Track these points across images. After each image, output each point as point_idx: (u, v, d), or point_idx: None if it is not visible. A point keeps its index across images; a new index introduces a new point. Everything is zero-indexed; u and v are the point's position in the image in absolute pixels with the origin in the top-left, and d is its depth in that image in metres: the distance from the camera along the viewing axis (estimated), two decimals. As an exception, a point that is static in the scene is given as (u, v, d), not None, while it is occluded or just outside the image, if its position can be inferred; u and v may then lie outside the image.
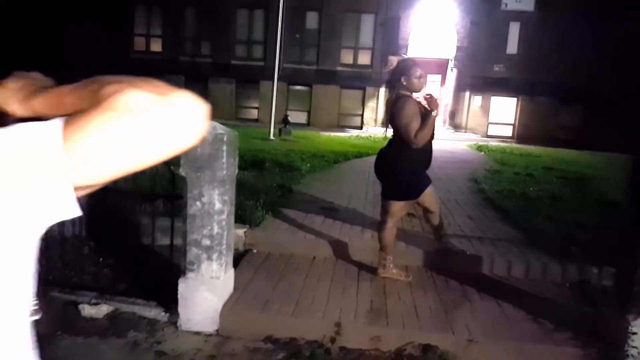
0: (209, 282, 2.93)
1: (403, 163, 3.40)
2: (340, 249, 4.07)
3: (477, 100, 20.90)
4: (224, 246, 2.94)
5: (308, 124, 20.82)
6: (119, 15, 20.59)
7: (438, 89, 21.01)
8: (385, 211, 3.57)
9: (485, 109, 21.25)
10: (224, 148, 2.81)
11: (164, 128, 0.64)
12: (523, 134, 20.94)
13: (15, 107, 0.79)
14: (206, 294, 2.93)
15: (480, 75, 20.27)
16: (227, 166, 2.83)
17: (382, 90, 19.99)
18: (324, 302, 3.19)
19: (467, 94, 20.51)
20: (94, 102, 0.66)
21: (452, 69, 20.20)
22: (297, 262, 3.84)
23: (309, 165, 8.20)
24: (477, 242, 4.37)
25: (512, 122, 21.57)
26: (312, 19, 21.03)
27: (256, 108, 21.66)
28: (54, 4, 18.01)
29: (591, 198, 6.69)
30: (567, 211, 5.61)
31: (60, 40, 17.99)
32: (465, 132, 20.52)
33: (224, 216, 2.90)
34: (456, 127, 20.42)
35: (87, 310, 3.07)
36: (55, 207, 0.60)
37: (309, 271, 3.71)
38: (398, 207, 3.53)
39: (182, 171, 2.84)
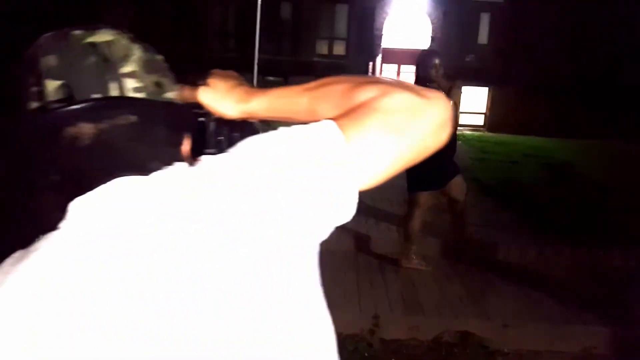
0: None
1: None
2: (360, 242, 4.07)
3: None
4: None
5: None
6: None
7: (412, 80, 21.26)
8: (412, 203, 3.60)
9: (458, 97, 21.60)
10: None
11: (430, 128, 0.63)
12: (494, 122, 21.42)
13: (227, 108, 0.75)
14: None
15: (453, 65, 20.55)
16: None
17: (358, 81, 20.07)
18: (355, 296, 3.19)
19: (440, 83, 20.81)
20: (345, 104, 0.64)
21: (425, 59, 20.45)
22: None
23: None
24: (486, 230, 4.44)
25: (484, 111, 22.04)
26: (286, 10, 20.85)
27: (231, 101, 21.35)
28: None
29: (581, 182, 6.92)
30: (565, 196, 5.79)
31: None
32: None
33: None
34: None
35: None
36: (338, 211, 0.58)
37: (333, 265, 3.70)
38: (425, 198, 3.56)
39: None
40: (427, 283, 3.47)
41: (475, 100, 21.80)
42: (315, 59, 20.95)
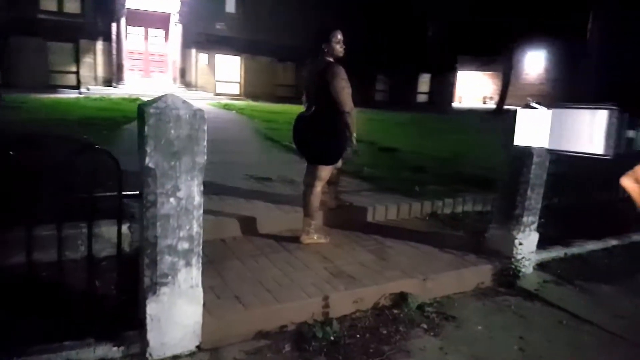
0: (188, 293, 2.40)
1: (336, 129, 3.40)
2: (245, 226, 3.80)
3: (204, 57, 20.89)
4: (200, 246, 2.44)
5: (7, 85, 16.86)
6: None
7: (163, 45, 20.09)
8: (314, 176, 3.52)
9: (212, 66, 21.46)
10: (205, 128, 2.28)
11: None
12: (249, 91, 22.16)
13: None
14: (187, 307, 2.40)
15: (205, 32, 20.25)
16: (206, 150, 2.32)
17: (100, 44, 17.94)
18: (287, 281, 3.01)
19: (194, 51, 20.26)
20: None
21: (175, 24, 19.47)
22: (211, 249, 3.40)
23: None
24: (346, 195, 4.70)
25: (238, 80, 22.51)
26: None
27: None
28: None
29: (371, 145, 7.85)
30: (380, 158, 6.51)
31: None
32: (196, 90, 20.37)
33: (201, 211, 2.39)
34: (187, 85, 20.05)
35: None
36: None
37: (238, 254, 3.38)
38: (327, 171, 3.54)
39: (149, 161, 2.18)
40: (340, 254, 3.50)
41: (229, 69, 22.05)
42: (41, 15, 17.58)
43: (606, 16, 10.60)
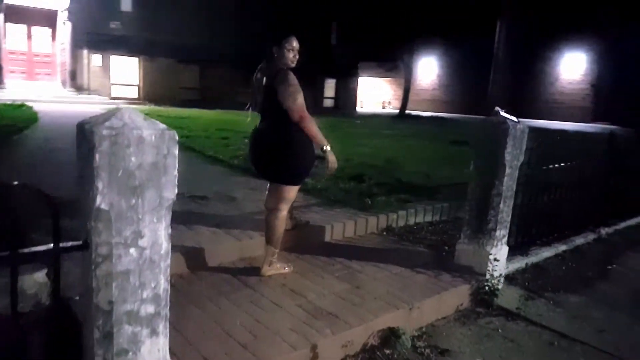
0: (154, 367, 1.84)
1: (298, 143, 2.95)
2: (192, 260, 3.21)
3: (97, 59, 19.16)
4: (168, 306, 1.88)
5: None
6: None
7: (49, 45, 18.10)
8: (278, 199, 3.04)
9: (107, 68, 19.77)
10: (176, 152, 1.74)
11: None
12: (149, 94, 20.75)
13: None
14: (152, 387, 1.84)
15: (98, 31, 18.57)
16: (177, 181, 1.77)
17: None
18: (261, 329, 2.52)
19: (86, 51, 18.49)
20: None
21: (64, 23, 17.63)
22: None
23: None
24: (295, 212, 4.26)
25: (137, 83, 20.97)
26: None
27: None
28: None
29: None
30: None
31: None
32: (89, 94, 18.61)
33: (169, 260, 1.84)
34: (79, 88, 18.26)
35: None
36: None
37: (191, 298, 2.81)
38: (294, 192, 3.08)
39: (101, 202, 1.59)
40: (306, 285, 3.06)
41: (126, 71, 20.44)
42: None
43: (506, 25, 11.23)
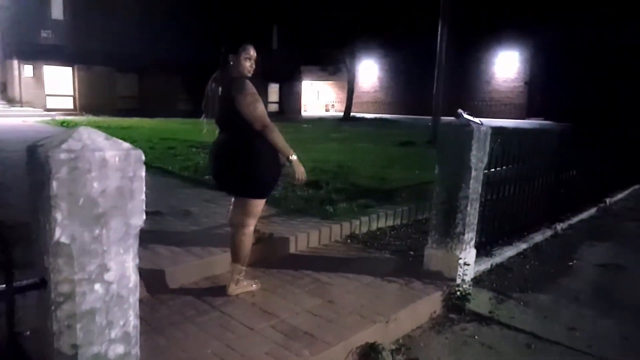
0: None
1: (262, 153, 2.80)
2: (151, 283, 2.98)
3: (29, 69, 18.07)
4: (139, 344, 1.69)
5: None
6: None
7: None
8: (244, 213, 2.87)
9: (40, 79, 18.70)
10: (142, 174, 1.56)
11: None
12: (85, 105, 19.81)
13: None
14: None
15: (28, 41, 17.49)
16: (144, 206, 1.59)
17: None
18: (235, 357, 2.35)
19: (16, 62, 17.39)
20: None
21: (-10, 32, 16.52)
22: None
23: None
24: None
25: (72, 94, 19.95)
26: None
27: None
28: None
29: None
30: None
31: None
32: (21, 106, 17.52)
33: (137, 294, 1.65)
34: (10, 101, 17.17)
35: None
36: None
37: (155, 325, 2.59)
38: (260, 206, 2.91)
39: (61, 234, 1.39)
40: (277, 303, 2.91)
41: (60, 81, 19.39)
42: None
43: (447, 25, 11.54)
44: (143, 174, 1.55)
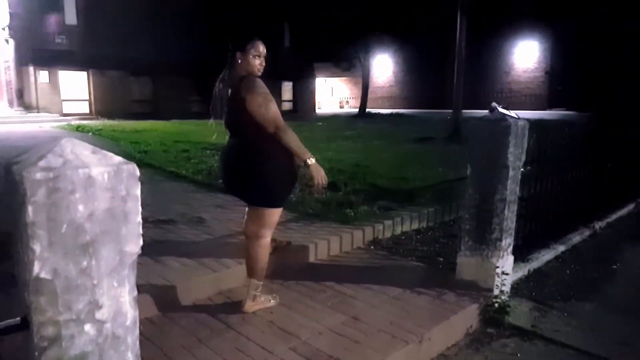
0: None
1: (276, 158, 2.55)
2: (162, 300, 2.76)
3: (44, 75, 18.11)
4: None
5: None
6: None
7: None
8: (259, 224, 2.63)
9: (55, 84, 18.73)
10: (137, 192, 1.32)
11: None
12: (101, 109, 19.80)
13: None
14: None
15: (42, 47, 17.54)
16: (141, 229, 1.35)
17: None
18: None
19: (31, 68, 17.43)
20: None
21: (7, 40, 16.55)
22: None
23: None
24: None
25: (87, 98, 19.97)
26: None
27: None
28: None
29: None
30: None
31: None
32: (38, 112, 17.57)
33: (137, 331, 1.41)
34: (27, 107, 17.21)
35: None
36: None
37: (165, 348, 2.36)
38: (276, 215, 2.67)
39: (41, 269, 1.16)
40: (297, 321, 2.66)
41: (75, 87, 19.43)
42: None
43: (467, 16, 11.17)
44: (138, 192, 1.31)
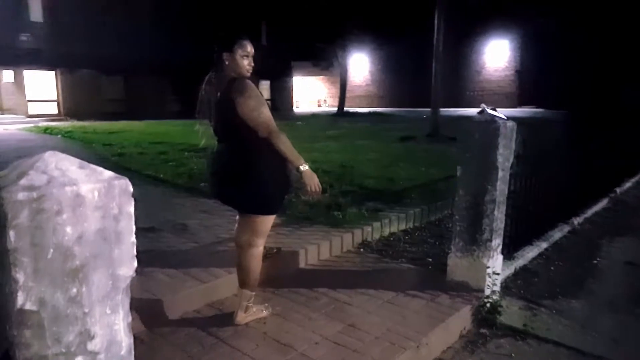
0: None
1: (268, 164, 2.45)
2: (149, 315, 2.64)
3: (9, 75, 17.52)
4: (136, 416, 1.35)
5: None
6: None
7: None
8: (251, 232, 2.52)
9: (20, 84, 18.16)
10: (131, 209, 1.21)
11: None
12: (70, 110, 19.30)
13: None
14: None
15: (6, 45, 16.94)
16: (135, 250, 1.25)
17: None
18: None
19: (-5, 68, 16.84)
20: None
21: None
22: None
23: None
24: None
25: (55, 98, 19.42)
26: None
27: None
28: None
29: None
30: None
31: None
32: (2, 113, 16.99)
33: (133, 359, 1.31)
34: (-9, 110, 16.61)
35: None
36: None
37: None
38: (269, 222, 2.56)
39: (25, 300, 1.05)
40: (292, 331, 2.58)
41: (42, 87, 18.86)
42: None
43: (444, 15, 11.23)
44: (132, 209, 1.20)
